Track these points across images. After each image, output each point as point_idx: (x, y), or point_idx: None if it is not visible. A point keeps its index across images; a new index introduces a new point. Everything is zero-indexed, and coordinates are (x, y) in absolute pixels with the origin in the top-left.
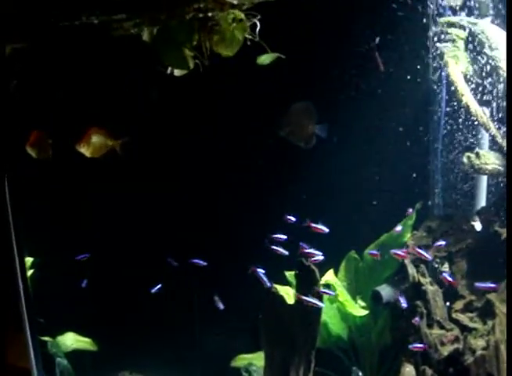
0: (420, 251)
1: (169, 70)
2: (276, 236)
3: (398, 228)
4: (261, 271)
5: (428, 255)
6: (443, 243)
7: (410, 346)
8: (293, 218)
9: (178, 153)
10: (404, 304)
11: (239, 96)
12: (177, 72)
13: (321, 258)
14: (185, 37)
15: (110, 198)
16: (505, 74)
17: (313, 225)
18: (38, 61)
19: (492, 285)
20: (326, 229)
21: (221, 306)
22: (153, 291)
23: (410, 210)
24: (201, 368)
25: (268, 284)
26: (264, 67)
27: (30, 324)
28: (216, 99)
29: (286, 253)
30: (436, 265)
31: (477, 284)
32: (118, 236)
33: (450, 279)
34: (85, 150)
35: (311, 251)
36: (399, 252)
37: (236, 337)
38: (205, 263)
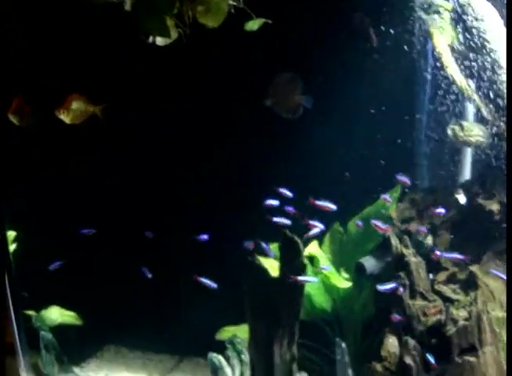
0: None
1: (151, 39)
2: (269, 202)
3: (388, 198)
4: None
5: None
6: (443, 211)
7: (390, 317)
8: (288, 193)
9: (161, 123)
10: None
11: (224, 66)
12: (159, 41)
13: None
14: (166, 4)
15: (93, 170)
16: (489, 45)
17: (318, 202)
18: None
19: (460, 256)
20: (333, 206)
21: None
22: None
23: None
24: (186, 341)
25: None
26: (248, 36)
27: (13, 298)
28: (199, 69)
29: (289, 222)
30: (420, 238)
31: (446, 255)
32: (101, 210)
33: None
34: (65, 117)
35: (314, 223)
36: (380, 225)
37: (220, 309)
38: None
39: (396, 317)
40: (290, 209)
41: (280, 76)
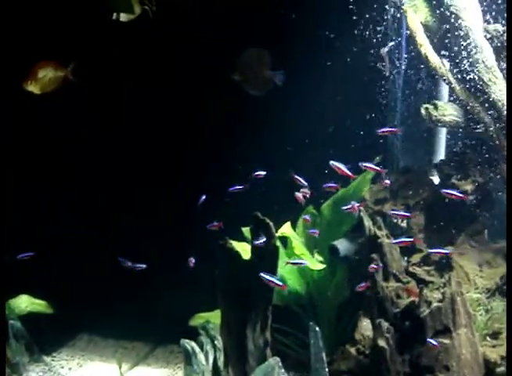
0: None
1: (115, 16)
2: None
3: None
4: None
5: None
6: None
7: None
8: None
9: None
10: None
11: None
12: (123, 17)
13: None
14: None
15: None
16: (465, 23)
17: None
18: None
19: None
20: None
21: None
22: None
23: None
24: (160, 329)
25: None
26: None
27: None
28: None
29: (306, 184)
30: (394, 220)
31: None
32: (70, 199)
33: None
34: (34, 87)
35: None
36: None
37: (194, 295)
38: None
39: (362, 286)
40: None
41: (248, 50)
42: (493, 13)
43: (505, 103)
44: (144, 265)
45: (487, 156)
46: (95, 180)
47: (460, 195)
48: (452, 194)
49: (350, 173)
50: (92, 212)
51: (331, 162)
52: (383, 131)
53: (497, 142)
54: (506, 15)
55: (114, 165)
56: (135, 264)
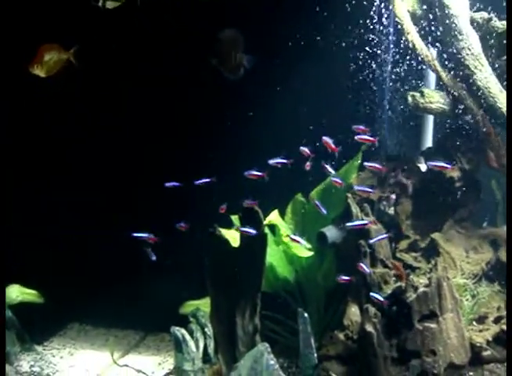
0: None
1: (101, 3)
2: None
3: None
4: None
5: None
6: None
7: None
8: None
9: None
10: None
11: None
12: (109, 5)
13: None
14: None
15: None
16: (451, 11)
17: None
18: None
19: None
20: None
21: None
22: None
23: None
24: (151, 317)
25: None
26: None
27: None
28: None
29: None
30: (382, 207)
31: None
32: (64, 184)
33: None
34: (40, 71)
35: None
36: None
37: (184, 283)
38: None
39: (344, 279)
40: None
41: (222, 32)
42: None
43: (491, 90)
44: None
45: (474, 143)
46: (81, 168)
47: (447, 165)
48: (439, 166)
49: (334, 147)
50: (82, 203)
51: (323, 137)
52: (360, 139)
53: (484, 129)
54: (506, 15)
55: (103, 160)
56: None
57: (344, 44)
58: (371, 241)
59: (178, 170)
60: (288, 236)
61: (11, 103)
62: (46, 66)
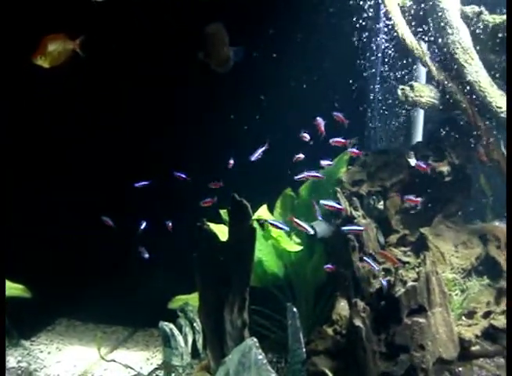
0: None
1: None
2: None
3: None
4: None
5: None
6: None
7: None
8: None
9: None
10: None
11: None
12: None
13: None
14: None
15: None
16: (441, 5)
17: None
18: None
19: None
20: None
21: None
22: None
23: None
24: (140, 312)
25: None
26: None
27: None
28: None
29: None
30: (371, 202)
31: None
32: (52, 179)
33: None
34: (43, 62)
35: None
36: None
37: (173, 278)
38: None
39: (329, 267)
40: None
41: (208, 26)
42: None
43: (481, 84)
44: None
45: (463, 137)
46: (73, 165)
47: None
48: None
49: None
50: (72, 201)
51: (317, 118)
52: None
53: (474, 123)
54: (506, 14)
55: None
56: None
57: (333, 38)
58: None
59: (177, 167)
60: (267, 221)
61: (10, 103)
62: (50, 56)
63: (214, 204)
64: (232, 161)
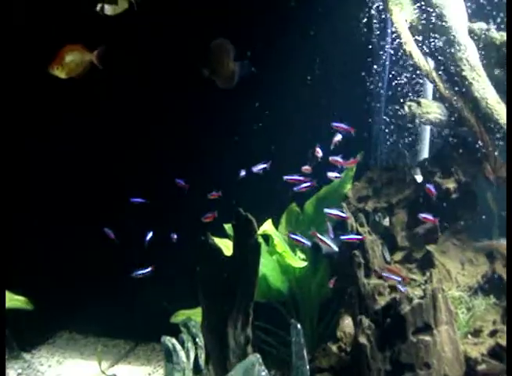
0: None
1: (99, 8)
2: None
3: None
4: None
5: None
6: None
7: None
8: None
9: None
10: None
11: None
12: (108, 11)
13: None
14: None
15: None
16: (449, 22)
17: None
18: None
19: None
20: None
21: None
22: None
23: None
24: (140, 326)
25: None
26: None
27: None
28: None
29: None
30: (377, 218)
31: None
32: (52, 188)
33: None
34: (60, 72)
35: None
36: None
37: (176, 292)
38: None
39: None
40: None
41: (213, 42)
42: (478, 12)
43: (489, 101)
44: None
45: (470, 154)
46: (75, 177)
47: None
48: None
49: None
50: (74, 211)
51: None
52: (337, 126)
53: (481, 140)
54: (506, 15)
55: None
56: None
57: (339, 53)
58: (343, 237)
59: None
60: (287, 234)
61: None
62: (67, 67)
63: (219, 218)
64: (243, 173)
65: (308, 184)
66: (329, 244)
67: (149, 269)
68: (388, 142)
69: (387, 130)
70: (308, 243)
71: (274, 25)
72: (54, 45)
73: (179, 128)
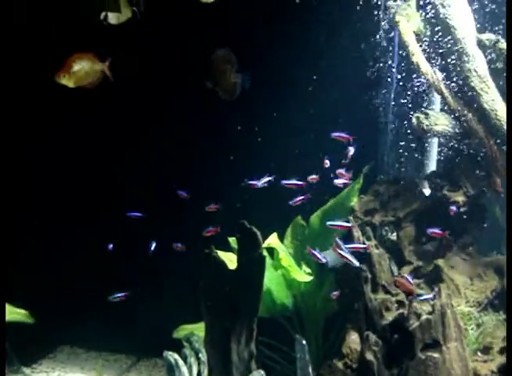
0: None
1: (102, 16)
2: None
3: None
4: None
5: None
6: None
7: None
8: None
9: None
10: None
11: None
12: (112, 19)
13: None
14: None
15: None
16: (457, 32)
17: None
18: None
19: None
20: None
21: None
22: None
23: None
24: (142, 341)
25: None
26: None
27: None
28: None
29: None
30: (384, 232)
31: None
32: (52, 188)
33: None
34: (67, 81)
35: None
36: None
37: (178, 307)
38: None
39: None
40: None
41: (214, 54)
42: (486, 23)
43: (498, 113)
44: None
45: (479, 167)
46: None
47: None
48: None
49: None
50: (74, 223)
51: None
52: (337, 136)
53: (490, 152)
54: (506, 15)
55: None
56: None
57: (347, 65)
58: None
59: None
60: (308, 250)
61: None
62: (75, 76)
63: (224, 231)
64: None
65: (303, 197)
66: (351, 259)
67: (123, 294)
68: (395, 155)
69: (393, 142)
70: (326, 259)
71: (275, 28)
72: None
73: (185, 138)
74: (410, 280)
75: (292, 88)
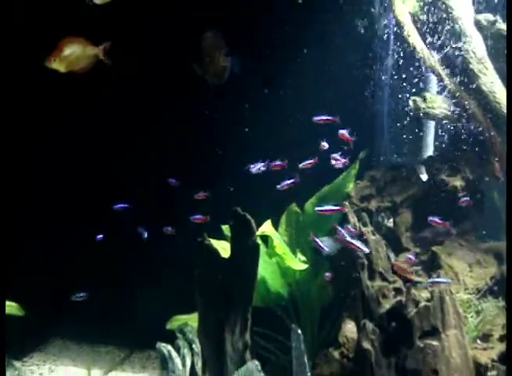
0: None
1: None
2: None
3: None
4: None
5: None
6: None
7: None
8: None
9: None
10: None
11: None
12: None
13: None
14: None
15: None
16: (454, 13)
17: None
18: None
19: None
20: None
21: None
22: None
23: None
24: (135, 333)
25: None
26: None
27: None
28: None
29: None
30: (381, 219)
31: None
32: (52, 188)
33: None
34: (58, 65)
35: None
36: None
37: (172, 297)
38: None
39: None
40: None
41: (204, 36)
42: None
43: (496, 95)
44: None
45: (478, 151)
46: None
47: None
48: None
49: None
50: (67, 215)
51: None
52: (319, 119)
53: (488, 135)
54: (506, 14)
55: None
56: None
57: (342, 48)
58: (318, 208)
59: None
60: (312, 238)
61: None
62: (66, 61)
63: (217, 218)
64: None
65: (291, 181)
66: (361, 247)
67: (82, 294)
68: (392, 139)
69: (390, 126)
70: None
71: (274, 26)
72: (54, 46)
73: (179, 128)
74: (412, 257)
75: (284, 73)
